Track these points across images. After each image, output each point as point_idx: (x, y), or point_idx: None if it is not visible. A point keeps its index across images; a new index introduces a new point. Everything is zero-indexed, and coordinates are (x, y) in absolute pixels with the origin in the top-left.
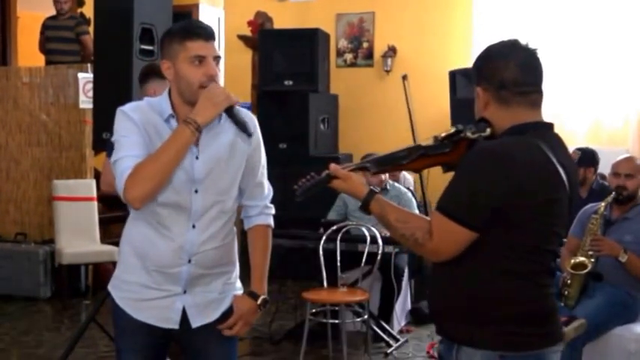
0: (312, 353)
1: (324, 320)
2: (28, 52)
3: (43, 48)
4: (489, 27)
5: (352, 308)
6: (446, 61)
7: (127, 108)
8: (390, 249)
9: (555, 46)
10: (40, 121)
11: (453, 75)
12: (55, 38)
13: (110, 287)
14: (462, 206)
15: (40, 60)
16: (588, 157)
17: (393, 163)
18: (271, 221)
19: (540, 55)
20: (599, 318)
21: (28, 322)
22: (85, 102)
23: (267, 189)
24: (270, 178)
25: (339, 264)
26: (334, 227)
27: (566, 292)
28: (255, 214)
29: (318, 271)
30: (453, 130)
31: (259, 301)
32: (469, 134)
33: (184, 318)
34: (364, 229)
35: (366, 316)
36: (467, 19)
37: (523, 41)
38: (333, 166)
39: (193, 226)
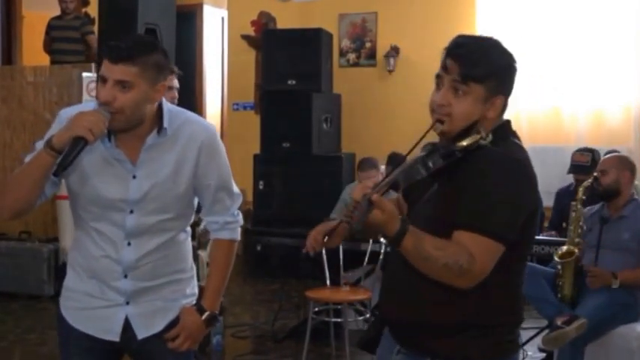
0: (315, 351)
1: (327, 319)
2: (33, 52)
3: (48, 48)
4: (493, 26)
5: (355, 307)
6: None
7: (67, 111)
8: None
9: (557, 46)
10: (44, 120)
11: None
12: (61, 38)
13: (60, 298)
14: (502, 222)
15: (44, 59)
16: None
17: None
18: (236, 235)
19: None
20: (600, 317)
21: (31, 320)
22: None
23: (231, 202)
24: (273, 177)
25: (341, 263)
26: None
27: (560, 283)
28: (215, 229)
29: (321, 270)
30: (477, 137)
31: (204, 317)
32: (482, 142)
33: (129, 329)
34: None
35: (368, 315)
36: (470, 19)
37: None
38: (376, 197)
39: (129, 244)
